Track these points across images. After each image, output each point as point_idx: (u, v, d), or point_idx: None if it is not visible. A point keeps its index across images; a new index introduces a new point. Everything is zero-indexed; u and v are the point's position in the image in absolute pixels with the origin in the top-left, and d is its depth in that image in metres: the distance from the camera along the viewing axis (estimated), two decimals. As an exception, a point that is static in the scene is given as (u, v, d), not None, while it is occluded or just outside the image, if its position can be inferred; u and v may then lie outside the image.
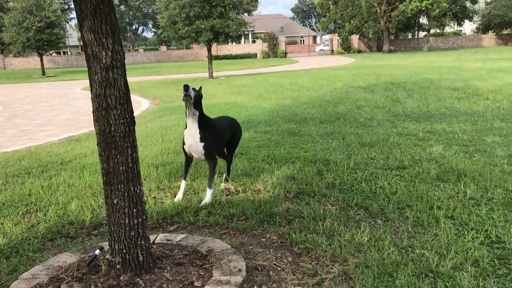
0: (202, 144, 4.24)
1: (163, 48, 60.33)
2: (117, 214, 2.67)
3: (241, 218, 3.91)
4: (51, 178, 5.31)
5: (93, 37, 2.50)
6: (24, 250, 3.45)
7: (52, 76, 33.66)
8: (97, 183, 4.98)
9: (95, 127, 2.65)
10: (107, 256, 2.88)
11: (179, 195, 4.41)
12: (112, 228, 2.70)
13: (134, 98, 15.62)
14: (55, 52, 56.78)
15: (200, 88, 4.32)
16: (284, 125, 8.06)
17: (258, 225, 3.74)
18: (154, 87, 18.70)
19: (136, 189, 2.70)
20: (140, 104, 13.53)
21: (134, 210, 2.69)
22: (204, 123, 4.28)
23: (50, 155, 6.68)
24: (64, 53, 65.97)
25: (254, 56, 53.41)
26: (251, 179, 4.94)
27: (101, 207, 4.32)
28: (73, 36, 68.87)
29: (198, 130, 4.23)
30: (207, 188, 4.35)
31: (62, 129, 9.61)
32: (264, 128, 7.84)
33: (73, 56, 59.88)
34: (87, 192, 4.71)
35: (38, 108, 14.10)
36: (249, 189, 4.65)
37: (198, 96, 4.17)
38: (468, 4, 49.89)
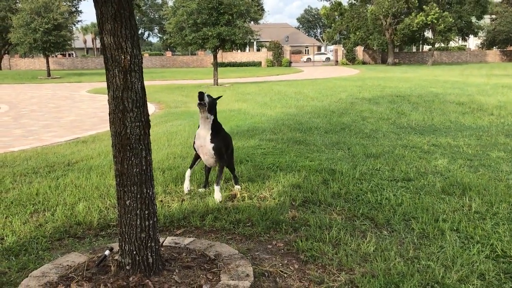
0: (212, 145, 4.46)
1: (168, 53, 60.60)
2: (129, 215, 2.71)
3: (248, 224, 3.94)
4: (58, 179, 5.35)
5: (113, 41, 2.55)
6: (32, 248, 3.48)
7: (57, 77, 33.82)
8: (104, 185, 5.02)
9: (110, 128, 2.69)
10: (116, 257, 2.91)
11: (187, 184, 4.65)
12: (123, 229, 2.73)
13: (139, 102, 15.67)
14: (60, 54, 57.05)
15: (219, 97, 4.65)
16: (289, 133, 8.10)
17: (265, 232, 3.77)
18: (159, 92, 18.77)
19: (148, 191, 2.74)
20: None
21: (146, 212, 2.73)
22: (217, 128, 4.53)
23: (57, 156, 6.73)
24: (69, 55, 66.30)
25: (258, 64, 53.60)
26: (256, 186, 4.97)
27: (108, 208, 4.35)
28: (79, 39, 69.22)
29: (210, 132, 4.47)
30: (215, 185, 4.55)
31: (68, 131, 9.66)
32: (269, 136, 7.88)
33: (79, 58, 60.18)
34: (94, 194, 4.74)
35: (44, 109, 14.18)
36: (255, 196, 4.68)
37: (212, 103, 4.41)
38: (473, 19, 50.06)
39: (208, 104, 4.32)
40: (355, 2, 52.71)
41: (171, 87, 22.25)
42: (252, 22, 23.06)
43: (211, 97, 4.41)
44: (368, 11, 47.65)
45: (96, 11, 2.58)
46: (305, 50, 77.97)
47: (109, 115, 2.68)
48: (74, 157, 6.56)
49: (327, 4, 54.30)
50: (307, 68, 44.83)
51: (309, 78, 27.40)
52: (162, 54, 63.08)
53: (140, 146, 2.67)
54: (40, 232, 3.79)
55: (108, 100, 2.68)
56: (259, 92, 17.17)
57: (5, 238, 3.67)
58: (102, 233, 3.85)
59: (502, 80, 21.11)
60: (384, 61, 53.82)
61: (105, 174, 5.49)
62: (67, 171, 5.74)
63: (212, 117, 4.45)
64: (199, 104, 4.27)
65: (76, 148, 7.43)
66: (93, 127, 10.14)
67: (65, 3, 37.92)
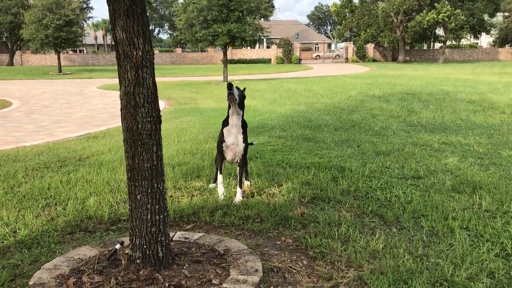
0: (244, 145, 4.37)
1: (178, 50, 60.72)
2: (139, 209, 2.74)
3: (257, 220, 3.96)
4: (69, 173, 5.41)
5: (125, 37, 2.58)
6: (44, 241, 3.53)
7: (68, 73, 34.08)
8: (115, 180, 5.07)
9: (122, 124, 2.72)
10: (126, 251, 2.94)
11: (221, 189, 4.46)
12: (134, 223, 2.76)
13: (149, 98, 15.76)
14: (71, 50, 57.44)
15: (244, 89, 4.40)
16: (298, 130, 8.10)
17: (274, 228, 3.79)
18: (169, 88, 18.84)
19: (159, 186, 2.76)
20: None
21: (157, 206, 2.75)
22: (245, 125, 4.39)
23: (68, 151, 6.80)
24: (80, 51, 66.70)
25: (268, 61, 53.53)
26: (266, 182, 4.98)
27: (119, 203, 4.40)
28: (90, 35, 69.66)
29: (241, 130, 4.34)
30: (238, 188, 4.45)
31: (79, 126, 9.75)
32: (279, 133, 7.88)
33: (89, 54, 60.56)
34: (105, 188, 4.79)
35: (55, 104, 14.31)
36: (264, 192, 4.70)
37: (242, 96, 4.25)
38: (486, 17, 49.50)
39: (239, 97, 4.15)
40: (366, -1, 52.39)
41: (181, 83, 22.33)
42: (262, 19, 23.02)
43: (239, 89, 4.23)
44: (379, 8, 47.35)
45: (109, 7, 2.60)
46: (315, 47, 77.70)
47: (121, 111, 2.70)
48: (85, 152, 6.62)
49: (338, 1, 54.01)
50: (317, 66, 44.69)
51: (319, 76, 27.33)
52: (172, 51, 63.23)
53: (151, 141, 2.70)
54: (51, 225, 3.84)
55: (120, 96, 2.71)
56: (269, 89, 17.17)
57: (18, 231, 3.73)
58: (112, 227, 3.89)
59: (514, 79, 20.89)
60: (394, 59, 53.45)
61: (115, 169, 5.54)
62: (78, 166, 5.80)
63: (242, 112, 4.29)
64: (229, 94, 4.03)
65: (87, 144, 7.50)
66: (103, 122, 10.22)
67: (75, 0, 38.12)
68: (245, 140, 4.37)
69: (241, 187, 4.47)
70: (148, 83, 2.65)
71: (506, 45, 57.58)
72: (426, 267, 3.04)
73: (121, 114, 2.71)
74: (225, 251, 3.07)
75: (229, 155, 4.42)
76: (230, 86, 4.05)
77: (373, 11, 49.95)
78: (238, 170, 4.52)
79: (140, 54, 2.60)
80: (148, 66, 2.65)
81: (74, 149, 7.00)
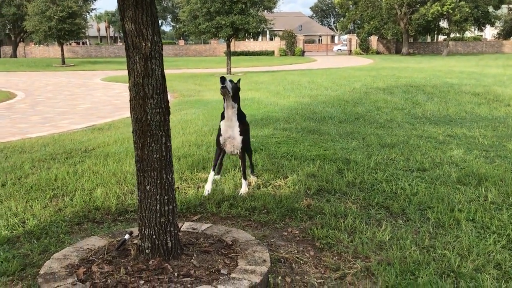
0: (241, 137, 4.32)
1: (181, 42, 60.58)
2: (149, 200, 2.75)
3: (263, 211, 3.98)
4: (75, 165, 5.43)
5: (134, 28, 2.58)
6: (53, 232, 3.56)
7: (71, 65, 34.09)
8: (121, 171, 5.09)
9: (131, 115, 2.73)
10: (135, 241, 2.96)
11: (209, 186, 4.39)
12: (143, 214, 2.78)
13: (153, 90, 15.76)
14: (74, 42, 57.37)
15: (239, 81, 4.32)
16: (303, 123, 8.10)
17: (280, 219, 3.81)
18: (172, 80, 18.83)
19: (168, 176, 2.78)
20: (159, 97, 13.65)
21: (165, 197, 2.77)
22: (242, 117, 4.35)
23: (74, 143, 6.82)
24: (83, 43, 66.63)
25: (271, 53, 53.38)
26: (271, 174, 5.00)
27: (126, 194, 4.42)
28: (93, 27, 69.50)
29: (237, 123, 4.29)
30: (243, 180, 4.43)
31: (83, 118, 9.77)
32: (283, 125, 7.88)
33: (92, 46, 60.48)
34: (112, 180, 4.81)
35: (59, 96, 14.33)
36: (270, 184, 4.72)
37: (236, 88, 4.17)
38: (490, 9, 49.16)
39: (232, 90, 4.07)
40: (369, -9, 52.05)
41: (184, 75, 22.31)
42: (266, 11, 22.92)
43: (233, 82, 4.17)
44: (383, 0, 47.06)
45: (118, -2, 2.60)
46: (319, 39, 77.43)
47: (130, 102, 2.71)
48: (90, 144, 6.64)
49: (342, -7, 53.68)
50: (321, 58, 44.56)
51: (323, 68, 27.26)
52: (175, 43, 63.08)
53: (160, 132, 2.71)
54: (60, 216, 3.87)
55: (128, 87, 2.71)
56: (272, 81, 17.14)
57: (27, 221, 3.76)
58: (120, 218, 3.91)
59: (519, 71, 20.79)
60: (398, 51, 53.24)
61: (121, 160, 5.56)
62: (84, 157, 5.82)
63: (236, 105, 4.23)
64: (222, 88, 3.97)
65: (93, 135, 7.52)
66: (108, 114, 10.24)
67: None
68: (242, 132, 4.31)
69: (245, 178, 4.45)
70: (157, 74, 2.66)
71: (511, 38, 57.20)
72: (433, 258, 3.06)
73: (130, 105, 2.71)
74: (233, 242, 3.09)
75: (227, 147, 4.41)
76: (223, 79, 3.97)
77: (376, 3, 49.66)
78: (240, 162, 4.50)
79: (149, 45, 2.60)
80: (157, 57, 2.65)
81: (79, 140, 7.02)
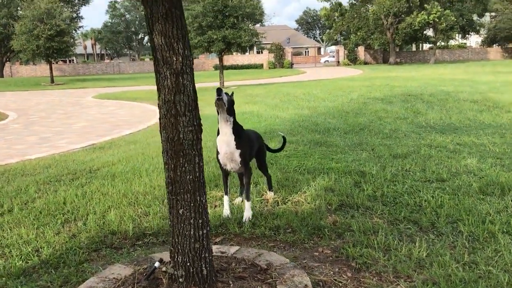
0: (239, 151, 4.00)
1: (170, 57, 60.40)
2: (182, 224, 2.57)
3: (288, 230, 3.80)
4: (83, 186, 5.22)
5: (164, 42, 2.43)
6: (70, 260, 3.35)
7: (60, 83, 33.75)
8: (131, 192, 4.89)
9: (161, 134, 2.56)
10: (163, 269, 2.77)
11: (227, 211, 4.15)
12: (176, 240, 2.60)
13: (147, 107, 15.58)
14: (61, 60, 56.99)
15: (232, 93, 4.05)
16: (307, 135, 7.97)
17: (308, 238, 3.64)
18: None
19: (202, 198, 2.61)
20: (155, 113, 13.47)
21: (200, 220, 2.60)
22: (238, 130, 4.04)
23: (77, 163, 6.60)
24: (70, 61, 66.20)
25: (260, 66, 53.49)
26: (287, 190, 4.83)
27: (141, 217, 4.22)
28: (80, 45, 69.16)
29: (233, 137, 3.98)
30: (245, 201, 4.12)
31: (81, 137, 9.54)
32: (288, 138, 7.72)
33: (80, 64, 60.09)
34: (123, 201, 4.61)
35: (53, 115, 14.06)
36: (288, 200, 4.55)
37: (230, 101, 3.91)
38: (475, 17, 49.93)
39: (227, 102, 3.81)
40: (355, 2, 52.58)
41: (176, 91, 22.09)
42: (258, 24, 22.96)
43: (228, 95, 3.91)
44: (370, 11, 47.54)
45: (146, 10, 2.45)
46: (305, 51, 77.85)
47: (160, 120, 2.55)
48: (94, 164, 6.43)
49: (327, 5, 54.12)
50: (309, 70, 44.70)
51: (314, 79, 27.27)
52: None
53: (193, 152, 2.54)
54: (75, 243, 3.66)
55: (158, 104, 2.55)
56: (267, 94, 17.04)
57: (41, 249, 3.54)
58: (138, 242, 3.71)
59: (510, 77, 20.97)
60: (385, 61, 53.68)
61: (130, 180, 5.36)
62: (90, 178, 5.61)
63: (232, 119, 3.92)
64: (218, 100, 3.69)
65: (95, 155, 7.30)
66: (106, 132, 10.02)
67: (66, 9, 37.85)
68: (239, 146, 3.98)
69: (248, 200, 4.10)
70: (189, 90, 2.50)
71: (494, 45, 58.07)
72: (478, 275, 2.91)
73: (160, 123, 2.55)
74: (268, 266, 2.91)
75: (228, 166, 4.11)
76: (219, 91, 3.71)
77: (363, 13, 50.15)
78: (244, 180, 4.15)
79: (180, 59, 2.45)
80: (189, 72, 2.50)
81: (82, 160, 6.80)
